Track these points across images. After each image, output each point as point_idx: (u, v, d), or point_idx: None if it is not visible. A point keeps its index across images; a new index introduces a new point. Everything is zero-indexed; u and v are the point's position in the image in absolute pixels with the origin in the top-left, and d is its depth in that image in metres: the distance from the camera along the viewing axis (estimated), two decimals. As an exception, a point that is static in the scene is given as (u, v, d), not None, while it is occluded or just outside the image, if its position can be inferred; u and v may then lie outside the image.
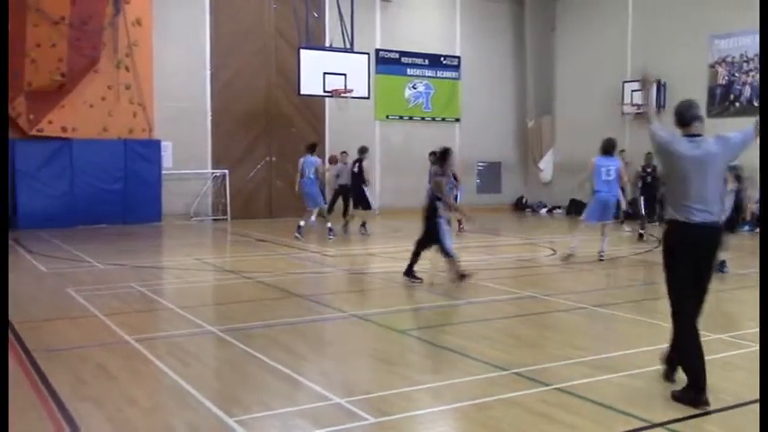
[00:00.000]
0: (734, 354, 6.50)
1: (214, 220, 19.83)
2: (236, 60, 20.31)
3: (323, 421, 4.73)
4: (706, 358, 5.20)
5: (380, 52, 22.39)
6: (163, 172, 18.87)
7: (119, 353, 6.40)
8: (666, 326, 7.55)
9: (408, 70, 23.08)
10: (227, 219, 19.85)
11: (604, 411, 4.91)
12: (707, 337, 7.10)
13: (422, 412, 4.98)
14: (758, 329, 7.41)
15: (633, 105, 21.26)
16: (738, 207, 12.02)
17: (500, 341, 6.99)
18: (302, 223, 15.39)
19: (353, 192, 16.71)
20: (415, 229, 10.33)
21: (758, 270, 11.76)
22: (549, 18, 24.44)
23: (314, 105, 21.05)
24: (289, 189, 20.51)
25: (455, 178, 16.68)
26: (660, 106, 20.89)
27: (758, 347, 6.68)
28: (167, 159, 19.14)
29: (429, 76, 23.45)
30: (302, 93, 18.51)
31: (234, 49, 20.23)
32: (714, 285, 10.51)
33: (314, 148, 15.88)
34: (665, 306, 8.61)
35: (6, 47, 14.77)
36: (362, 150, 16.58)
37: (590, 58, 23.15)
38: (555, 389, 5.36)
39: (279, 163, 20.79)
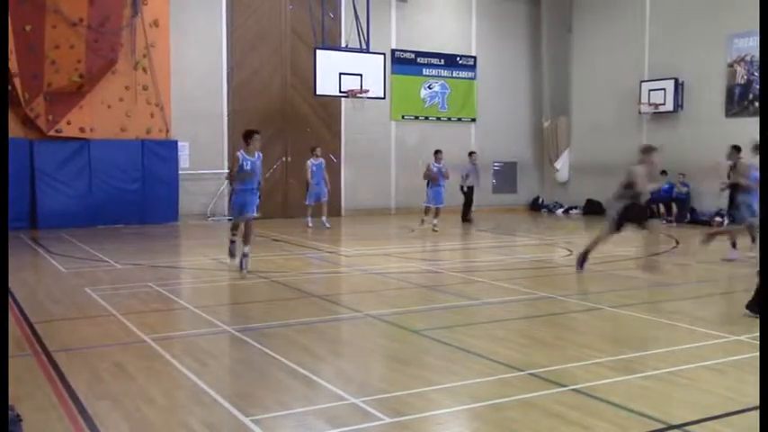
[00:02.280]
0: (754, 356, 6.43)
1: (230, 219, 19.90)
2: (253, 61, 20.40)
3: (338, 421, 4.75)
4: (733, 359, 5.16)
5: (396, 52, 22.40)
6: (180, 172, 18.98)
7: (136, 352, 6.45)
8: (683, 326, 7.52)
9: (424, 70, 23.07)
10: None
11: (621, 413, 4.89)
12: (725, 338, 7.07)
13: (437, 413, 4.98)
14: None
15: (650, 105, 21.12)
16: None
17: (516, 342, 6.98)
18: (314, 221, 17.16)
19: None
20: (430, 228, 10.30)
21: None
22: (565, 19, 24.33)
23: (330, 106, 21.09)
24: (304, 189, 20.67)
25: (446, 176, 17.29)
26: (678, 106, 20.81)
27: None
28: (184, 159, 19.26)
29: (445, 77, 23.43)
30: (318, 93, 18.57)
31: (250, 49, 20.33)
32: (733, 286, 10.44)
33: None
34: (681, 307, 8.59)
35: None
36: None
37: (606, 59, 23.02)
38: (571, 390, 5.35)
39: (294, 163, 20.84)
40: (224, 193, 20.17)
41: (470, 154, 19.53)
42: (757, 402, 5.10)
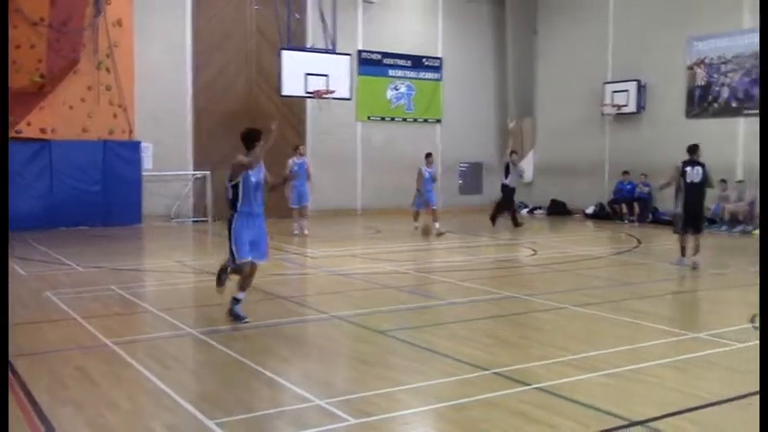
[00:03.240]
0: (712, 352, 6.56)
1: (195, 221, 19.74)
2: (218, 61, 20.24)
3: (303, 423, 4.73)
4: (693, 355, 5.25)
5: (362, 53, 22.39)
6: (143, 173, 18.75)
7: (99, 356, 6.36)
8: (645, 324, 7.64)
9: (390, 71, 23.10)
10: (207, 220, 19.76)
11: (584, 411, 4.95)
12: (685, 335, 7.19)
13: (402, 413, 5.00)
14: (735, 328, 7.51)
15: (614, 106, 21.41)
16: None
17: (480, 341, 7.02)
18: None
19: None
20: (396, 229, 10.31)
21: (735, 270, 11.90)
22: (530, 20, 24.54)
23: (295, 106, 21.00)
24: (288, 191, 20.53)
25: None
26: (640, 107, 21.12)
27: (737, 346, 6.77)
28: (148, 161, 19.03)
29: (411, 78, 23.49)
30: (284, 94, 18.49)
31: (215, 49, 20.16)
32: (692, 285, 10.65)
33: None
34: (643, 306, 8.72)
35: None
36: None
37: (571, 60, 23.28)
38: (535, 389, 5.40)
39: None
40: (188, 195, 19.99)
41: (511, 153, 19.27)
42: (716, 398, 5.21)
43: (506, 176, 18.82)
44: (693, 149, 12.03)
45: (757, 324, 7.64)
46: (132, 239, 16.33)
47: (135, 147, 18.66)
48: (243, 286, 7.72)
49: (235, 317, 7.64)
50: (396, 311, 8.48)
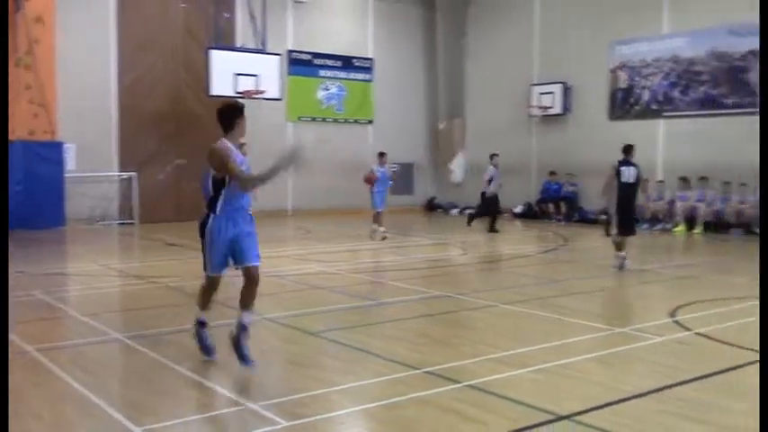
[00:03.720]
0: (635, 347, 6.77)
1: (121, 224, 19.26)
2: (144, 60, 19.79)
3: (234, 427, 4.68)
4: (618, 350, 5.40)
5: (293, 53, 22.27)
6: (66, 175, 18.19)
7: (20, 365, 6.14)
8: (572, 321, 7.83)
9: (321, 72, 23.04)
10: (134, 223, 19.31)
11: (514, 406, 5.04)
12: (610, 330, 7.41)
13: (335, 414, 4.99)
14: (657, 323, 7.77)
15: (540, 108, 21.87)
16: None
17: (412, 341, 7.07)
18: None
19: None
20: (327, 230, 10.30)
21: (656, 266, 12.31)
22: (459, 23, 24.86)
23: (225, 106, 20.70)
24: (200, 192, 20.18)
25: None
26: (566, 109, 21.64)
27: (658, 340, 7.01)
28: (71, 161, 18.46)
29: (342, 78, 23.48)
30: (212, 94, 18.21)
31: (141, 48, 19.71)
32: (616, 281, 10.97)
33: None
34: (569, 302, 8.93)
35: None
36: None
37: (499, 63, 23.68)
38: (466, 386, 5.47)
39: (189, 165, 20.38)
40: (113, 197, 19.49)
41: (492, 156, 17.98)
42: (640, 390, 5.38)
43: (490, 182, 17.87)
44: (628, 150, 11.82)
45: (678, 318, 7.93)
46: (55, 243, 15.81)
47: (57, 147, 18.08)
48: (205, 303, 6.28)
49: (200, 344, 6.24)
50: (327, 312, 8.46)
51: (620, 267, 11.44)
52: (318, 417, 4.87)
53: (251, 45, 19.17)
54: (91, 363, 6.20)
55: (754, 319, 8.07)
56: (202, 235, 6.05)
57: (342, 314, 8.42)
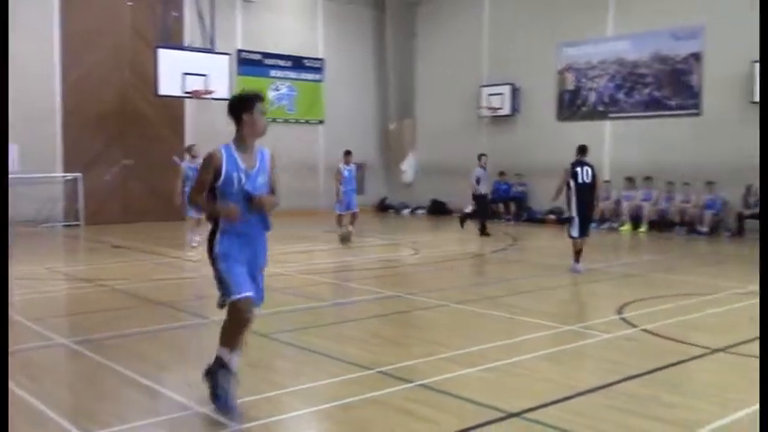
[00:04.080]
0: (583, 344, 6.89)
1: (66, 226, 18.82)
2: (89, 59, 19.37)
3: (184, 431, 4.61)
4: (567, 347, 5.49)
5: (242, 53, 22.07)
6: (8, 176, 17.68)
7: (-41, 371, 5.95)
8: (522, 319, 7.93)
9: (271, 72, 22.88)
10: (80, 224, 18.89)
11: (465, 405, 5.08)
12: (559, 328, 7.52)
13: (288, 416, 4.96)
14: (605, 320, 7.92)
15: (490, 109, 22.09)
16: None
17: (365, 341, 7.07)
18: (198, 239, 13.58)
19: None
20: (279, 231, 10.13)
21: (604, 264, 12.54)
22: (409, 24, 24.97)
23: (173, 106, 20.43)
24: (148, 193, 19.87)
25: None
26: (515, 110, 21.91)
27: (605, 337, 7.14)
28: (13, 162, 17.96)
29: (292, 78, 23.36)
30: (160, 93, 17.94)
31: (86, 46, 19.28)
32: (566, 279, 11.13)
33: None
34: (519, 301, 9.05)
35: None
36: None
37: (449, 64, 23.85)
38: (418, 385, 5.49)
39: (136, 166, 20.04)
40: (58, 198, 19.03)
41: (480, 156, 17.31)
42: (588, 387, 5.47)
43: (477, 183, 17.17)
44: (583, 150, 11.63)
45: (624, 315, 8.10)
46: (-4, 246, 15.35)
47: (-2, 148, 17.57)
48: (233, 341, 4.94)
49: (214, 391, 4.87)
50: (279, 314, 8.40)
51: (575, 270, 11.32)
52: (270, 419, 4.83)
53: (199, 44, 18.92)
54: (37, 369, 6.04)
55: (698, 315, 8.30)
56: (211, 255, 4.97)
57: (294, 315, 8.37)
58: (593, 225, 18.64)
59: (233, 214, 4.81)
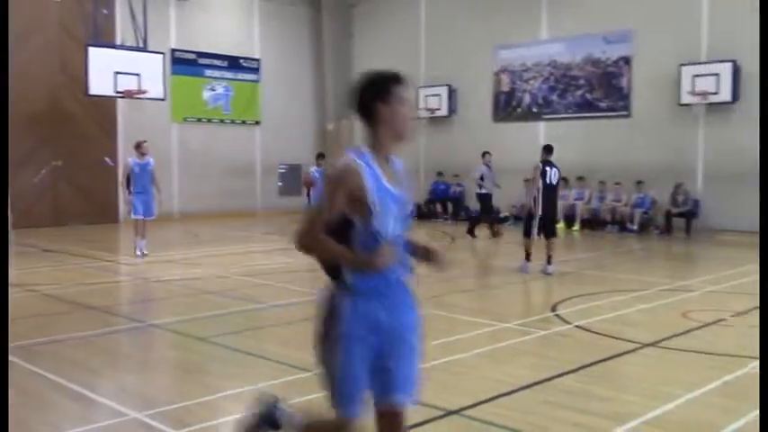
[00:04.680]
0: (520, 340, 7.00)
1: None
2: (15, 57, 18.69)
3: (119, 438, 4.51)
4: (504, 344, 5.55)
5: (176, 52, 21.69)
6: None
7: None
8: (460, 317, 8.01)
9: (206, 71, 22.56)
10: (8, 228, 18.25)
11: (404, 404, 5.09)
12: (496, 326, 7.62)
13: (224, 420, 4.89)
14: (540, 317, 8.06)
15: (427, 110, 22.25)
16: None
17: (303, 343, 6.97)
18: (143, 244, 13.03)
19: None
20: (216, 233, 10.08)
21: (541, 263, 12.76)
22: (346, 24, 24.98)
23: (104, 106, 19.95)
24: (78, 195, 19.35)
25: None
26: (452, 111, 22.12)
27: (540, 333, 7.27)
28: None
29: (228, 78, 23.08)
30: (91, 93, 17.49)
31: (12, 44, 18.63)
32: (503, 278, 11.27)
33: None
34: (458, 300, 9.14)
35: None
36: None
37: (386, 64, 23.30)
38: (357, 386, 5.48)
39: (66, 167, 19.48)
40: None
41: (484, 154, 16.24)
42: (525, 383, 5.56)
43: (482, 179, 16.37)
44: (550, 149, 11.56)
45: (559, 312, 8.26)
46: None
47: None
48: None
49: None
50: (217, 317, 8.29)
51: (524, 270, 11.23)
52: (207, 424, 4.77)
53: (131, 43, 18.53)
54: (-41, 378, 5.81)
55: (629, 310, 8.53)
56: (327, 334, 3.39)
57: (232, 318, 8.27)
58: (509, 223, 19.11)
59: (385, 261, 3.15)
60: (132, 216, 13.19)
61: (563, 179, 19.13)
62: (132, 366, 6.42)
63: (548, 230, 11.33)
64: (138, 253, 12.96)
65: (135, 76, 17.66)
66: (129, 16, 18.63)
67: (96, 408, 5.18)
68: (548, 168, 11.35)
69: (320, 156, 15.54)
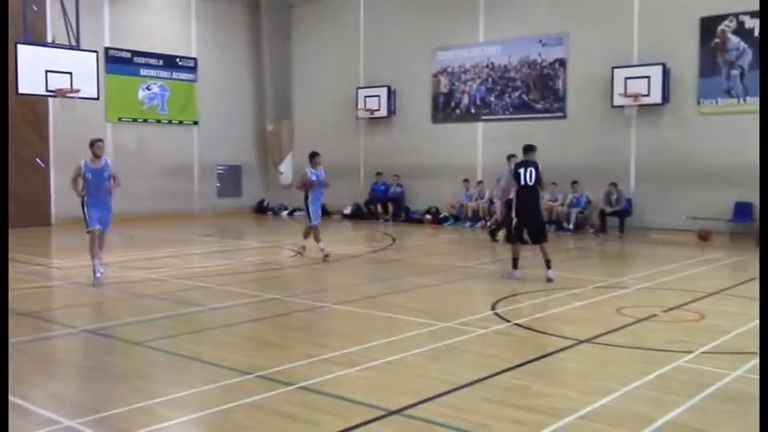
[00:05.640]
0: (460, 339, 7.06)
1: None
2: (-61, 54, 18.03)
3: (52, 447, 4.38)
4: (444, 344, 5.57)
5: (110, 51, 21.19)
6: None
7: None
8: (400, 318, 8.05)
9: (142, 71, 22.10)
10: (-68, 232, 17.55)
11: (346, 405, 5.09)
12: (437, 325, 7.68)
13: (163, 425, 4.80)
14: (479, 316, 8.15)
15: (367, 111, 22.28)
16: None
17: (243, 345, 6.96)
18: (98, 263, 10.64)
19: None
20: (152, 235, 9.86)
21: (477, 262, 12.91)
22: (284, 25, 24.81)
23: (36, 106, 19.37)
24: (9, 197, 18.72)
25: None
26: (391, 112, 22.19)
27: (480, 332, 7.35)
28: None
29: (164, 78, 22.66)
30: (21, 92, 16.91)
31: (-65, 40, 17.94)
32: (443, 278, 11.36)
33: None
34: (397, 300, 9.18)
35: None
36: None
37: (325, 65, 23.86)
38: (298, 388, 5.46)
39: (-5, 169, 18.82)
40: None
41: (509, 157, 14.32)
42: (465, 381, 5.61)
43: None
44: (529, 149, 11.03)
45: (498, 311, 8.37)
46: None
47: None
48: None
49: None
50: (153, 321, 8.13)
51: (511, 277, 10.78)
52: (144, 430, 4.66)
53: (63, 41, 18.00)
54: None
55: (565, 308, 8.70)
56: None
57: (169, 322, 8.12)
58: (466, 224, 19.33)
59: None
60: (88, 228, 10.70)
61: (500, 179, 19.48)
62: (66, 373, 6.25)
63: (533, 236, 10.91)
64: (98, 275, 10.48)
65: (67, 75, 17.16)
66: (60, 13, 18.09)
67: (30, 416, 5.02)
68: (521, 170, 10.81)
69: (314, 155, 13.78)
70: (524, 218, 10.76)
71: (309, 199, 13.39)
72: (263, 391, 5.40)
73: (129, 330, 7.59)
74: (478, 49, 20.50)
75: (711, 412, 4.98)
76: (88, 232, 10.55)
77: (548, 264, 10.58)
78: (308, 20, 24.28)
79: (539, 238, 10.87)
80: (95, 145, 10.66)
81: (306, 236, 13.44)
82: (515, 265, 10.81)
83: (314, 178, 13.37)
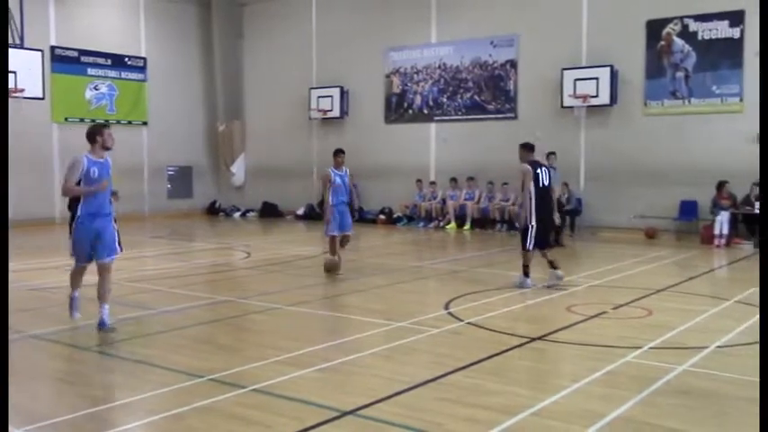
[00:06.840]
0: (414, 339, 7.09)
1: None
2: None
3: (-3, 456, 4.26)
4: (397, 344, 5.57)
5: (56, 50, 20.73)
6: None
7: None
8: (354, 318, 8.04)
9: (89, 70, 21.67)
10: None
11: (299, 406, 5.07)
12: (390, 325, 7.69)
13: (115, 431, 4.72)
14: (433, 315, 8.20)
15: (320, 111, 22.22)
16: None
17: (195, 348, 6.87)
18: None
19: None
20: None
21: (431, 262, 12.97)
22: (236, 24, 24.58)
23: (-23, 105, 18.82)
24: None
25: None
26: (344, 112, 22.17)
27: (434, 332, 7.39)
28: None
29: (113, 77, 22.26)
30: (-38, 91, 16.47)
31: None
32: (397, 278, 11.39)
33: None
34: (351, 301, 9.17)
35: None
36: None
37: (277, 66, 23.72)
38: (251, 390, 5.41)
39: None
40: None
41: (548, 155, 13.47)
42: (419, 381, 5.64)
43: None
44: (531, 148, 10.32)
45: (451, 310, 8.43)
46: None
47: None
48: None
49: None
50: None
51: (524, 286, 9.95)
52: (94, 436, 4.58)
53: (7, 39, 17.55)
54: None
55: (518, 306, 8.81)
56: None
57: (119, 325, 7.96)
58: (420, 224, 19.43)
59: None
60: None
61: (453, 179, 19.68)
62: (13, 380, 6.07)
63: (545, 241, 10.27)
64: (106, 325, 7.53)
65: (11, 74, 16.76)
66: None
67: (-29, 425, 4.88)
68: (538, 170, 9.98)
69: (339, 153, 12.09)
70: (542, 221, 10.03)
71: (332, 203, 11.40)
72: (217, 393, 5.34)
73: (78, 335, 7.44)
74: (431, 50, 20.61)
75: (660, 406, 5.09)
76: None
77: (552, 264, 10.14)
78: (260, 19, 24.11)
79: (551, 242, 10.86)
80: (104, 133, 8.31)
81: (332, 251, 11.37)
82: (527, 273, 10.01)
83: (338, 180, 11.64)
